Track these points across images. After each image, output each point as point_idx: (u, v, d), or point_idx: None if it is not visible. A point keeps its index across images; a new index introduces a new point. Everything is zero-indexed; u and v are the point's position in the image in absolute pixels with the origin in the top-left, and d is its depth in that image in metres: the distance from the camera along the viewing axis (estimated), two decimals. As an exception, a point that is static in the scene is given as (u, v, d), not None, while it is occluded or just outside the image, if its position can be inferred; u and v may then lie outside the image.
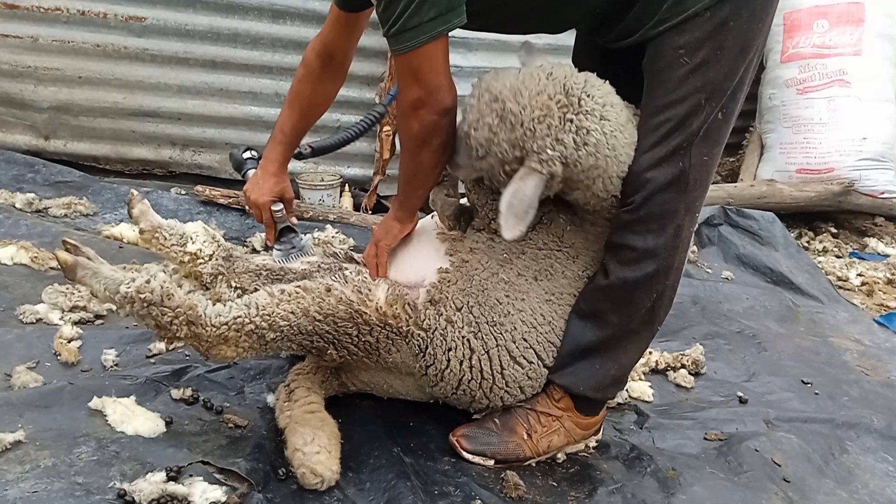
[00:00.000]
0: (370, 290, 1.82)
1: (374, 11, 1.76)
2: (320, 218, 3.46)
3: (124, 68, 3.64)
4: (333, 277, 1.87)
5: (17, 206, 3.07)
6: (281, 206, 2.11)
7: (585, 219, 1.88)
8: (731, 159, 5.34)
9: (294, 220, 2.13)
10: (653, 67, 1.73)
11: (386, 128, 3.83)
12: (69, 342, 2.07)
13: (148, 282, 1.69)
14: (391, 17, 1.66)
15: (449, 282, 1.86)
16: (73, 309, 2.26)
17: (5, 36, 3.54)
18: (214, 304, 1.78)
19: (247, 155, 2.24)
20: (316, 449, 1.67)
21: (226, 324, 1.73)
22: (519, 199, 1.69)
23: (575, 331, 1.87)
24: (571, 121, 1.67)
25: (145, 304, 1.68)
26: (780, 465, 2.05)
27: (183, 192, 3.52)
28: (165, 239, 2.19)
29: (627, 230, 1.78)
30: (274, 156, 2.12)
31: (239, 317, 1.74)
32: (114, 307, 1.77)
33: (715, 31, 1.67)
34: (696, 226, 1.91)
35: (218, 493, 1.57)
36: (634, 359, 1.97)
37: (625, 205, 1.77)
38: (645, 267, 1.78)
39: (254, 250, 3.03)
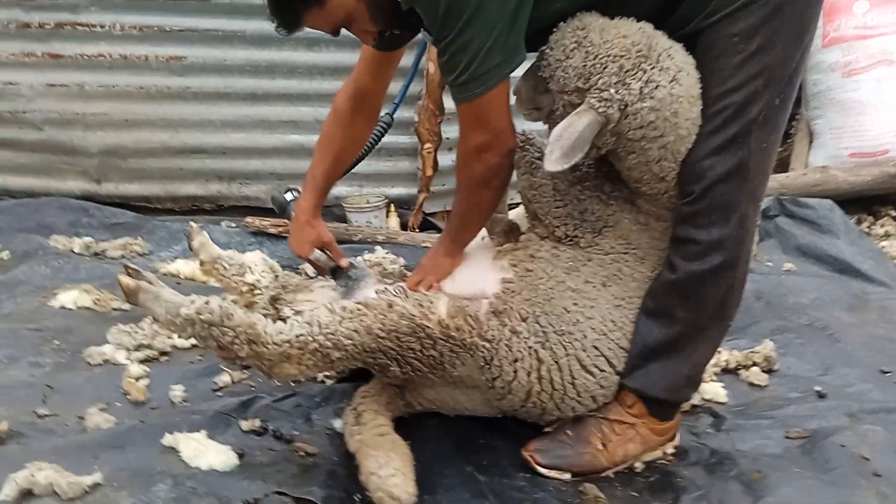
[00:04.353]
0: (431, 304, 1.80)
1: (438, 61, 1.77)
2: (369, 240, 3.46)
3: (168, 108, 3.71)
4: (394, 293, 1.85)
5: (75, 250, 3.14)
6: (320, 253, 2.10)
7: (650, 214, 1.83)
8: (780, 149, 5.21)
9: (343, 261, 2.10)
10: (707, 57, 1.70)
11: (427, 145, 3.83)
12: (137, 381, 2.10)
13: (207, 302, 1.71)
14: (458, 67, 1.67)
15: (513, 292, 1.83)
16: (138, 347, 2.29)
17: (52, 85, 3.64)
18: (276, 323, 1.77)
19: (289, 197, 2.25)
20: (391, 472, 1.65)
21: (288, 341, 1.72)
22: (569, 132, 1.65)
23: (643, 330, 1.82)
24: (644, 71, 1.64)
25: (206, 325, 1.69)
26: (868, 460, 1.95)
27: (233, 224, 3.57)
28: (225, 269, 2.22)
29: (689, 223, 1.74)
30: (306, 204, 2.12)
31: (301, 335, 1.73)
32: (176, 330, 1.78)
33: (770, 16, 1.63)
34: (760, 215, 1.86)
35: (296, 522, 1.57)
36: (707, 357, 1.91)
37: (685, 196, 1.72)
38: (711, 260, 1.73)
39: (308, 276, 3.03)
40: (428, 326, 1.76)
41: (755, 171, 1.71)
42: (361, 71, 2.06)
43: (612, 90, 1.64)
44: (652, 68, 1.64)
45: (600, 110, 1.64)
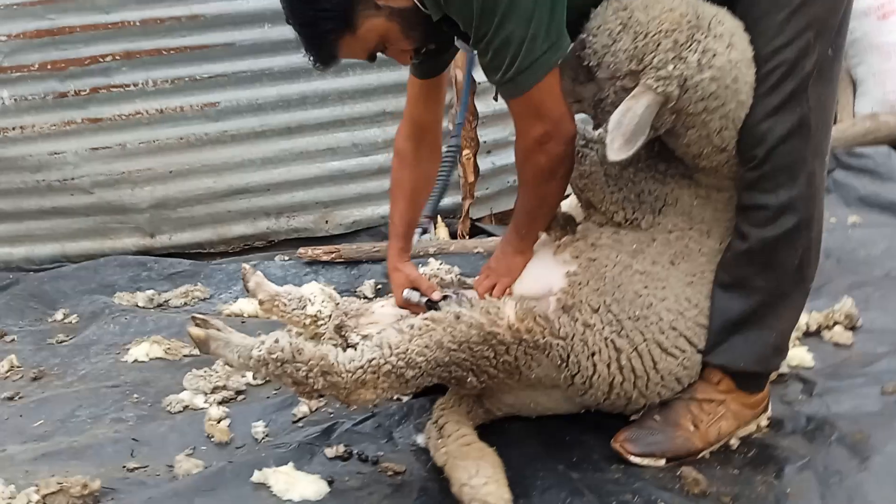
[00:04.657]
0: (499, 309, 1.77)
1: (479, 62, 1.75)
2: (421, 254, 3.45)
3: (209, 153, 3.76)
4: (459, 304, 1.83)
5: (139, 304, 3.20)
6: (410, 292, 2.07)
7: (710, 187, 1.78)
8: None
9: (435, 295, 2.04)
10: (751, 17, 1.65)
11: (465, 151, 3.81)
12: (219, 422, 2.11)
13: (277, 341, 1.72)
14: (504, 63, 1.65)
15: (579, 284, 1.80)
16: (214, 390, 2.30)
17: (95, 149, 3.72)
18: (345, 351, 1.77)
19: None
20: (483, 480, 1.63)
21: (361, 367, 1.72)
22: (629, 117, 1.60)
23: (721, 304, 1.77)
24: (699, 41, 1.59)
25: (279, 364, 1.70)
26: (973, 404, 1.88)
27: (287, 257, 3.59)
28: (285, 305, 2.22)
29: (755, 189, 1.69)
30: (393, 251, 2.14)
31: (373, 359, 1.72)
32: (251, 373, 1.79)
33: None
34: (827, 170, 1.79)
35: (396, 542, 1.55)
36: (792, 322, 1.85)
37: (748, 162, 1.67)
38: (784, 223, 1.68)
39: (366, 297, 3.04)
40: (498, 333, 1.74)
41: (817, 126, 1.66)
42: (412, 106, 2.07)
43: (670, 67, 1.59)
44: (706, 37, 1.59)
45: (659, 89, 1.60)
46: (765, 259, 1.73)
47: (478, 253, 3.39)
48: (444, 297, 2.02)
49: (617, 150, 1.62)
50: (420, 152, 2.09)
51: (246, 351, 1.74)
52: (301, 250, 3.51)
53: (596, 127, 1.80)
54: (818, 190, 1.72)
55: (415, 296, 2.06)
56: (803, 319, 2.40)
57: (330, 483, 1.78)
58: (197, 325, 1.84)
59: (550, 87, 1.68)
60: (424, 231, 2.18)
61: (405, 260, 2.14)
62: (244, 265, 2.44)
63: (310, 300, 2.34)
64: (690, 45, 1.59)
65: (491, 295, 1.89)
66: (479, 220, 4.00)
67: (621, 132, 1.61)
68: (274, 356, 1.70)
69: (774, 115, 1.64)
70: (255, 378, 2.32)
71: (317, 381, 1.71)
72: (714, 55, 1.59)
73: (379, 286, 3.14)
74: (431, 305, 2.00)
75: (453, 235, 3.90)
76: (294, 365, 1.70)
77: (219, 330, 1.82)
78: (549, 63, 1.65)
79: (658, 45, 1.60)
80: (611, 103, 1.68)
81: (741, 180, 1.72)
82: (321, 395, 2.15)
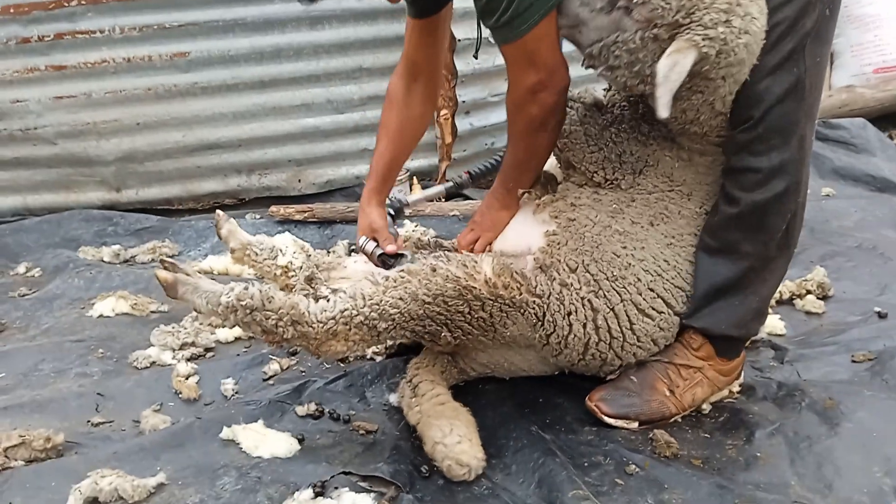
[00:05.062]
0: (476, 264, 1.74)
1: (475, 6, 1.69)
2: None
3: (178, 106, 3.66)
4: (436, 258, 1.80)
5: (105, 259, 3.12)
6: (365, 239, 2.02)
7: (693, 150, 1.76)
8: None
9: (389, 248, 1.99)
10: None
11: (444, 111, 3.75)
12: (187, 379, 2.07)
13: (246, 288, 1.68)
14: (500, 6, 1.60)
15: (558, 244, 1.78)
16: (182, 346, 2.26)
17: (59, 98, 3.59)
18: (318, 302, 1.74)
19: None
20: (457, 439, 1.62)
21: (333, 318, 1.69)
22: (678, 73, 1.54)
23: (707, 269, 1.76)
24: (741, 4, 1.54)
25: (248, 311, 1.67)
26: (941, 372, 1.90)
27: (258, 215, 3.53)
28: (257, 255, 2.19)
29: (747, 151, 1.66)
30: (366, 190, 2.08)
31: (346, 309, 1.70)
32: (218, 319, 1.76)
33: None
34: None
35: (367, 500, 1.54)
36: (774, 288, 1.85)
37: (742, 123, 1.64)
38: (774, 187, 1.66)
39: (338, 255, 3.00)
40: (475, 287, 1.71)
41: (811, 88, 1.63)
42: (408, 46, 2.00)
43: (720, 28, 1.53)
44: (749, 1, 1.55)
45: (704, 48, 1.53)
46: (754, 224, 1.71)
47: (454, 216, 3.36)
48: (400, 256, 1.96)
49: (666, 106, 1.56)
50: (411, 94, 2.03)
51: (214, 297, 1.69)
52: (273, 208, 3.45)
53: (585, 65, 1.72)
54: (807, 154, 1.70)
55: (370, 246, 2.01)
56: (777, 287, 2.42)
57: (300, 441, 1.76)
58: (166, 268, 1.79)
59: (546, 33, 1.63)
60: (459, 185, 2.08)
61: (375, 203, 2.07)
62: (218, 212, 2.38)
63: (281, 251, 2.29)
64: (735, 9, 1.54)
65: (472, 250, 1.86)
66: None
67: (669, 88, 1.55)
68: (243, 303, 1.66)
69: (772, 74, 1.61)
70: (223, 328, 2.28)
71: (286, 330, 1.68)
72: (752, 19, 1.55)
73: (353, 247, 3.10)
74: (384, 260, 1.96)
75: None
76: (263, 313, 1.67)
77: (188, 275, 1.77)
78: (545, 6, 1.60)
79: (714, 2, 1.53)
80: (628, 50, 1.59)
81: (732, 143, 1.69)
82: (292, 352, 2.15)
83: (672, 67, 1.54)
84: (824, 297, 2.43)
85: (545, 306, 1.75)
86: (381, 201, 2.09)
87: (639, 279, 1.75)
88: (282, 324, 1.67)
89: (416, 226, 3.25)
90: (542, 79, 1.68)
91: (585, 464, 1.66)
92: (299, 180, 3.84)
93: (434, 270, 1.72)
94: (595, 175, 1.83)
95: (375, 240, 2.01)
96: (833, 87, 4.62)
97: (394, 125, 2.06)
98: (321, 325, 1.69)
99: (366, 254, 2.02)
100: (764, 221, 1.70)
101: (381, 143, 2.08)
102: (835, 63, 4.75)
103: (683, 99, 1.65)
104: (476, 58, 2.00)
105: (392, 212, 2.16)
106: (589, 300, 1.74)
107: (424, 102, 2.07)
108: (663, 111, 1.56)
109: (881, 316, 2.27)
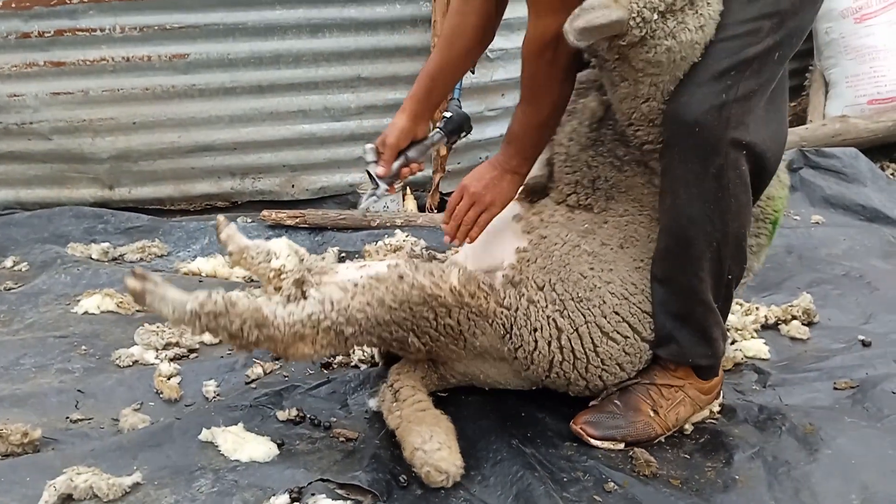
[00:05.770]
0: (443, 273, 1.77)
1: None
2: (388, 224, 3.42)
3: (175, 107, 3.66)
4: (406, 267, 1.80)
5: (93, 257, 3.10)
6: (372, 150, 1.90)
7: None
8: (793, 103, 5.12)
9: (379, 169, 1.88)
10: None
11: (439, 124, 3.76)
12: (168, 379, 2.06)
13: (210, 294, 1.70)
14: None
15: (528, 261, 1.79)
16: (166, 346, 2.26)
17: (56, 94, 3.59)
18: (286, 306, 1.76)
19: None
20: (436, 446, 1.62)
21: (300, 321, 1.71)
22: (599, 15, 1.53)
23: (659, 298, 1.77)
24: (684, 12, 1.58)
25: (212, 316, 1.68)
26: (921, 405, 1.91)
27: (249, 219, 3.52)
28: (253, 258, 2.20)
29: (666, 175, 1.68)
30: (409, 94, 1.92)
31: (313, 314, 1.72)
32: (187, 327, 1.77)
33: None
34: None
35: (344, 508, 1.53)
36: (728, 306, 1.85)
37: (656, 143, 1.68)
38: (693, 217, 1.66)
39: (332, 260, 3.00)
40: (440, 295, 1.73)
41: (737, 120, 1.60)
42: None
43: (655, 15, 1.56)
44: (689, 11, 1.58)
45: (631, 21, 1.55)
46: (681, 254, 1.71)
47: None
48: (380, 179, 1.87)
49: (575, 31, 1.53)
50: (469, 2, 1.90)
51: (181, 305, 1.71)
52: (265, 213, 3.44)
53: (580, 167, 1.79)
54: (732, 184, 1.65)
55: (369, 155, 1.90)
56: (762, 312, 2.43)
57: (280, 446, 1.75)
58: (135, 277, 1.79)
59: None
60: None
61: (408, 113, 1.89)
62: (219, 216, 2.38)
63: (276, 254, 2.30)
64: (676, 13, 1.57)
65: (472, 228, 1.82)
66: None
67: (587, 18, 1.53)
68: (207, 309, 1.68)
69: (696, 92, 1.61)
70: (193, 333, 2.27)
71: (251, 333, 1.70)
72: (684, 29, 1.58)
73: (343, 254, 3.10)
74: (369, 174, 1.87)
75: (421, 208, 3.87)
76: (227, 318, 1.69)
77: (156, 284, 1.77)
78: None
79: None
80: None
81: (658, 163, 1.72)
82: (276, 357, 2.14)
83: (598, 8, 1.54)
84: (809, 324, 2.44)
85: (512, 318, 1.77)
86: (414, 111, 1.90)
87: (604, 301, 1.75)
88: (246, 327, 1.69)
89: (406, 235, 3.26)
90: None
91: (564, 479, 1.66)
92: (293, 186, 3.84)
93: (401, 278, 1.74)
94: (570, 196, 1.86)
95: (380, 152, 1.90)
96: (827, 116, 4.66)
97: (446, 31, 1.96)
98: (288, 328, 1.71)
99: (365, 159, 1.92)
100: (688, 252, 1.70)
101: (433, 51, 2.02)
102: (830, 93, 4.79)
103: (615, 85, 1.68)
104: (473, 72, 1.99)
105: (441, 126, 2.01)
106: (554, 319, 1.75)
107: (481, 14, 1.91)
108: (569, 29, 1.54)
109: (865, 344, 2.28)
